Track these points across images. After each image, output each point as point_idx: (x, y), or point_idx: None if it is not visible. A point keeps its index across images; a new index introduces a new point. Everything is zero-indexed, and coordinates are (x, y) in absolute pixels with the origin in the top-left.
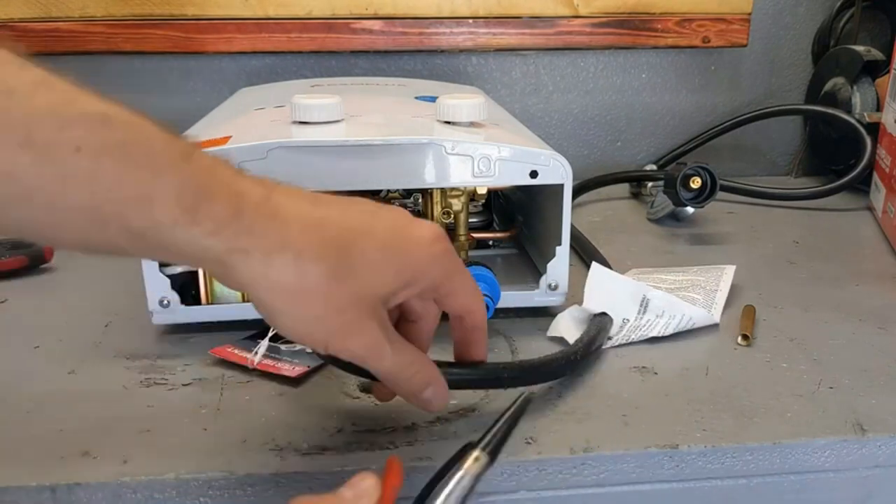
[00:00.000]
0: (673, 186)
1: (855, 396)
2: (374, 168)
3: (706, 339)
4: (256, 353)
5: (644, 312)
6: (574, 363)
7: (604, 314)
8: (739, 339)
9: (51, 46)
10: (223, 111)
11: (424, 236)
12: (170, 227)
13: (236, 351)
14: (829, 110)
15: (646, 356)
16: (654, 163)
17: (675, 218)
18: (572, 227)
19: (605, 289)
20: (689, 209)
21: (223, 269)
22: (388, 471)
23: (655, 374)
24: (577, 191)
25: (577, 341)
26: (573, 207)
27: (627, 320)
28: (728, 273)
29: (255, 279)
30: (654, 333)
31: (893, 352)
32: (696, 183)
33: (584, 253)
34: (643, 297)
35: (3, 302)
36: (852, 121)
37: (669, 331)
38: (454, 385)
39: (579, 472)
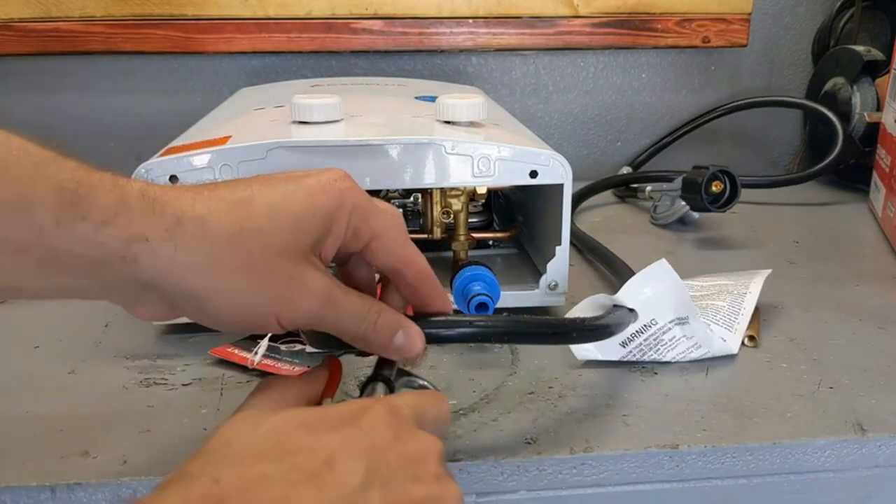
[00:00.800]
0: (695, 191)
1: (855, 396)
2: (375, 168)
3: None
4: (256, 352)
5: (675, 326)
6: (578, 331)
7: (631, 310)
8: (746, 340)
9: (50, 47)
10: (223, 111)
11: (325, 175)
12: (53, 228)
13: (236, 351)
14: (801, 101)
15: None
16: (629, 164)
17: (681, 222)
18: (578, 228)
19: (657, 286)
20: (696, 214)
21: (127, 269)
22: (331, 364)
23: (655, 374)
24: (582, 195)
25: (591, 317)
26: (577, 210)
27: (655, 322)
28: (760, 277)
29: (165, 267)
30: (667, 358)
31: (893, 352)
32: (717, 187)
33: (591, 252)
34: (686, 315)
35: (2, 302)
36: (822, 109)
37: (687, 358)
38: (434, 339)
39: (579, 473)
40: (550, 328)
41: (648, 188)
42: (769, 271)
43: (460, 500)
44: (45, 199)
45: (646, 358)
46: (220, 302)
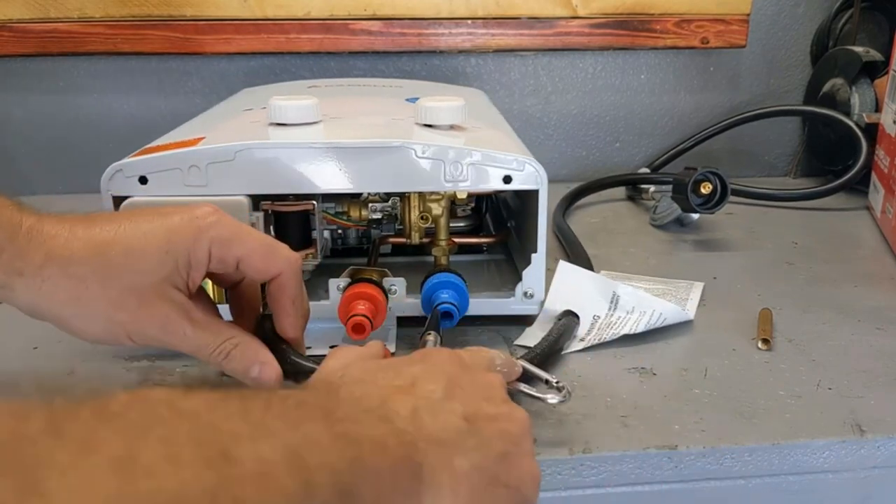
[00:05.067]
0: (683, 192)
1: (853, 397)
2: (347, 171)
3: (705, 341)
4: None
5: (614, 309)
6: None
7: (568, 313)
8: (760, 343)
9: (49, 47)
10: (215, 112)
11: (189, 213)
12: None
13: None
14: (825, 111)
15: (644, 357)
16: (648, 166)
17: (679, 223)
18: (567, 230)
19: (574, 286)
20: (694, 215)
21: (9, 294)
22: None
23: (654, 374)
24: (578, 194)
25: (535, 346)
26: (572, 210)
27: (598, 317)
28: (697, 288)
29: (33, 297)
30: (625, 331)
31: (892, 352)
32: (706, 188)
33: (576, 257)
34: (613, 293)
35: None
36: (848, 122)
37: (641, 328)
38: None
39: (578, 473)
40: None
41: (651, 189)
42: (702, 284)
43: (528, 421)
44: None
45: (606, 338)
46: (78, 325)
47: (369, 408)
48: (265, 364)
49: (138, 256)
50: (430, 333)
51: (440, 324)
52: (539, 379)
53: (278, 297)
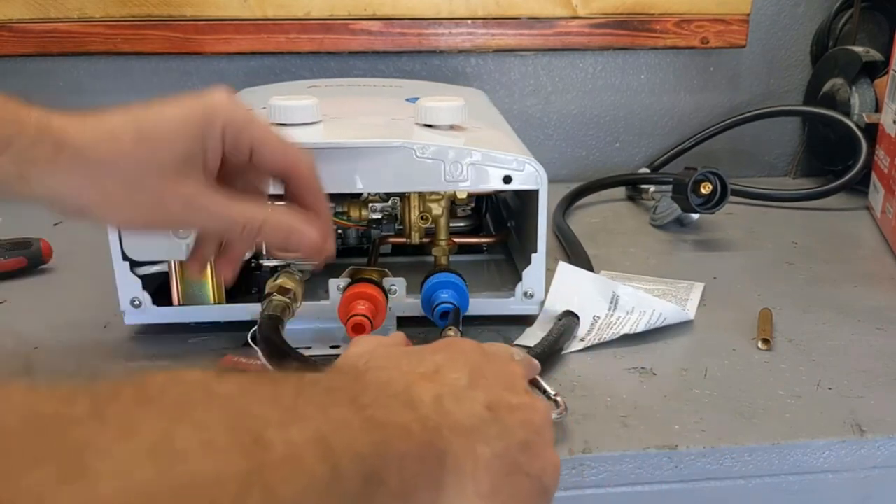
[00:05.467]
0: (683, 192)
1: (853, 397)
2: (347, 171)
3: (705, 341)
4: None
5: (614, 309)
6: None
7: (568, 314)
8: (760, 343)
9: (49, 47)
10: None
11: (203, 96)
12: None
13: (243, 360)
14: (825, 111)
15: (644, 357)
16: (648, 165)
17: (679, 223)
18: (567, 230)
19: (574, 287)
20: (694, 215)
21: (25, 186)
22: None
23: (654, 374)
24: (578, 194)
25: (535, 346)
26: (572, 210)
27: (598, 317)
28: (697, 288)
29: (49, 186)
30: (625, 330)
31: (892, 352)
32: (706, 188)
33: (576, 257)
34: (613, 293)
35: (2, 303)
36: (848, 122)
37: (641, 327)
38: None
39: (578, 473)
40: None
41: (651, 189)
42: (703, 285)
43: (549, 412)
44: None
45: (606, 338)
46: (97, 212)
47: (394, 393)
48: (301, 233)
49: (151, 141)
50: (450, 329)
51: (440, 322)
52: (538, 388)
53: (303, 194)
